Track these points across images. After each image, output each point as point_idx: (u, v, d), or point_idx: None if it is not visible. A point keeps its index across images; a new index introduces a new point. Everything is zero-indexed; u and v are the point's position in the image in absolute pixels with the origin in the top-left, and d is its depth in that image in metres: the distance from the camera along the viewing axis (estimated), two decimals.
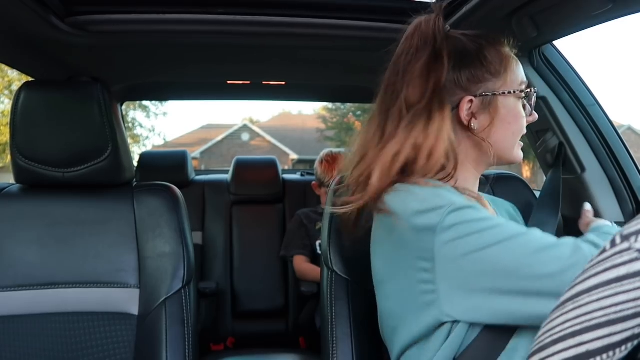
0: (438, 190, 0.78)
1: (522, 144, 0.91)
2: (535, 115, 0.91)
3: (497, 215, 0.90)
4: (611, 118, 1.33)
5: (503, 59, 0.87)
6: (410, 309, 0.80)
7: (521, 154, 0.90)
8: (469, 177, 0.90)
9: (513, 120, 0.87)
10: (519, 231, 0.74)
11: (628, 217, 1.28)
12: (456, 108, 0.85)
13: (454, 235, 0.73)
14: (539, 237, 0.73)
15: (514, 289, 0.70)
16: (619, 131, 1.33)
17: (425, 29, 0.82)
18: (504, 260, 0.71)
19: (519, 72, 0.88)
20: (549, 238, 0.73)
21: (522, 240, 0.72)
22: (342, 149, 2.22)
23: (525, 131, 0.89)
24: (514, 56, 0.90)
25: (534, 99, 0.90)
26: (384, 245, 0.85)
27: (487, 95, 0.85)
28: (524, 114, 0.88)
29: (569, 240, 0.72)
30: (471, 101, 0.85)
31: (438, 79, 0.81)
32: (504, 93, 0.85)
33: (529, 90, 0.89)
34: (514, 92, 0.86)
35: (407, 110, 0.80)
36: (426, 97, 0.80)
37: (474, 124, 0.86)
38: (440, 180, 0.83)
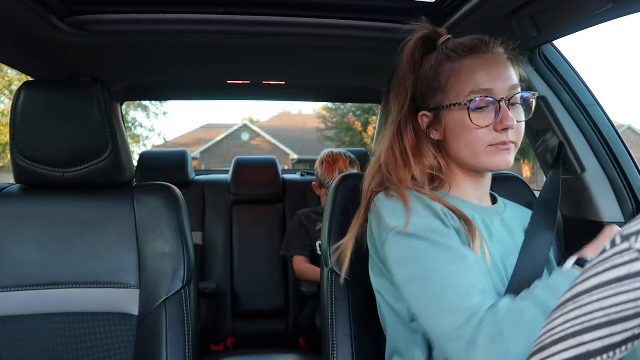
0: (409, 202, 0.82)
1: (507, 148, 0.83)
2: (509, 123, 0.81)
3: (489, 240, 0.86)
4: (611, 118, 1.33)
5: (450, 72, 0.84)
6: (390, 301, 0.87)
7: (498, 163, 0.83)
8: (461, 182, 0.91)
9: (461, 131, 0.83)
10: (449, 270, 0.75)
11: (628, 217, 1.28)
12: (416, 122, 0.90)
13: (394, 254, 0.81)
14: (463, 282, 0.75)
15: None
16: (619, 131, 1.33)
17: (404, 57, 0.89)
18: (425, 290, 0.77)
19: (470, 82, 0.82)
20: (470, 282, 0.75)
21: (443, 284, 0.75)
22: (342, 150, 2.22)
23: (487, 140, 0.82)
24: (489, 63, 0.83)
25: (484, 103, 0.81)
26: (370, 244, 0.91)
27: (435, 109, 0.87)
28: (474, 125, 0.81)
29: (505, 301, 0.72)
30: (426, 116, 0.89)
31: (404, 100, 0.87)
32: (444, 107, 0.85)
33: (471, 98, 0.81)
34: (452, 105, 0.83)
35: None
36: (401, 114, 0.88)
37: (435, 136, 0.89)
38: (435, 188, 0.88)
